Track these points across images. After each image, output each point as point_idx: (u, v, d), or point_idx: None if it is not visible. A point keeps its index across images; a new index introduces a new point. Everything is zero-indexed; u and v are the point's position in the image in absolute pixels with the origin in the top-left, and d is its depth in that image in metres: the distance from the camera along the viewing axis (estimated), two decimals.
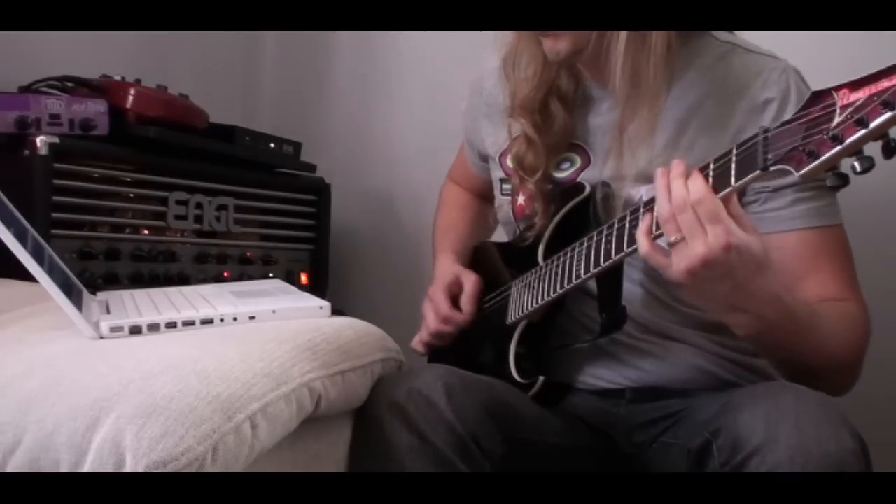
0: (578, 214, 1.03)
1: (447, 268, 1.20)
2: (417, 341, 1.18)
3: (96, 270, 1.39)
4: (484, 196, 1.30)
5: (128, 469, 0.66)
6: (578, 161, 1.07)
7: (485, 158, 1.22)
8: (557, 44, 0.98)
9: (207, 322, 0.89)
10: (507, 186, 1.14)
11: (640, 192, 0.98)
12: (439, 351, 1.19)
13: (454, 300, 1.15)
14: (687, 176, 0.80)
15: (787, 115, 0.82)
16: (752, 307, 0.83)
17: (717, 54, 1.01)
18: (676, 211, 0.79)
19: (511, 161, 1.10)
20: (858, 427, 0.76)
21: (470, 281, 1.15)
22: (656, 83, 0.95)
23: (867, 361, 0.97)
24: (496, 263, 1.16)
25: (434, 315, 1.15)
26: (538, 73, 1.06)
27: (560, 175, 1.08)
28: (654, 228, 0.84)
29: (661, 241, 0.83)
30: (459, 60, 1.37)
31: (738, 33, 1.05)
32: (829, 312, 0.92)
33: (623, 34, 0.94)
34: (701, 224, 0.78)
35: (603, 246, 0.91)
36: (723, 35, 1.03)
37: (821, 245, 0.96)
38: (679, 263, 0.80)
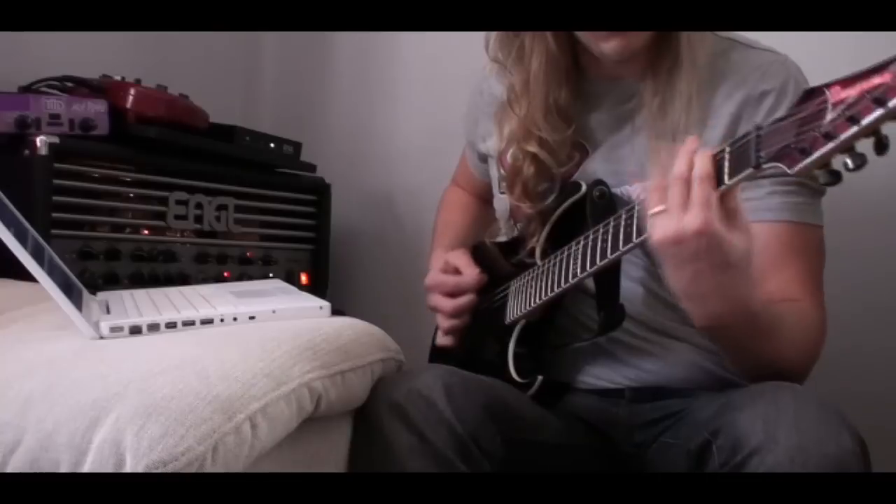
0: (575, 212, 1.03)
1: (439, 257, 1.20)
2: (441, 334, 1.16)
3: (96, 270, 1.39)
4: (486, 199, 1.30)
5: (128, 469, 0.66)
6: (576, 156, 1.07)
7: (484, 159, 1.22)
8: (631, 41, 0.95)
9: (207, 322, 0.89)
10: (504, 185, 1.14)
11: (636, 189, 0.98)
12: (439, 351, 1.19)
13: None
14: (695, 152, 0.79)
15: (784, 107, 0.81)
16: (709, 302, 0.82)
17: (718, 50, 1.01)
18: (671, 183, 0.78)
19: (517, 194, 1.08)
20: (858, 427, 0.76)
21: (457, 254, 1.15)
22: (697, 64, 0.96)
23: (868, 360, 0.97)
24: (494, 263, 1.16)
25: (441, 295, 1.14)
26: (543, 66, 1.05)
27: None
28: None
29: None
30: (459, 60, 1.37)
31: (739, 33, 1.05)
32: (789, 316, 0.90)
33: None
34: (685, 203, 0.77)
35: (599, 244, 0.91)
36: (723, 33, 1.03)
37: (790, 241, 0.95)
38: (653, 230, 0.80)
